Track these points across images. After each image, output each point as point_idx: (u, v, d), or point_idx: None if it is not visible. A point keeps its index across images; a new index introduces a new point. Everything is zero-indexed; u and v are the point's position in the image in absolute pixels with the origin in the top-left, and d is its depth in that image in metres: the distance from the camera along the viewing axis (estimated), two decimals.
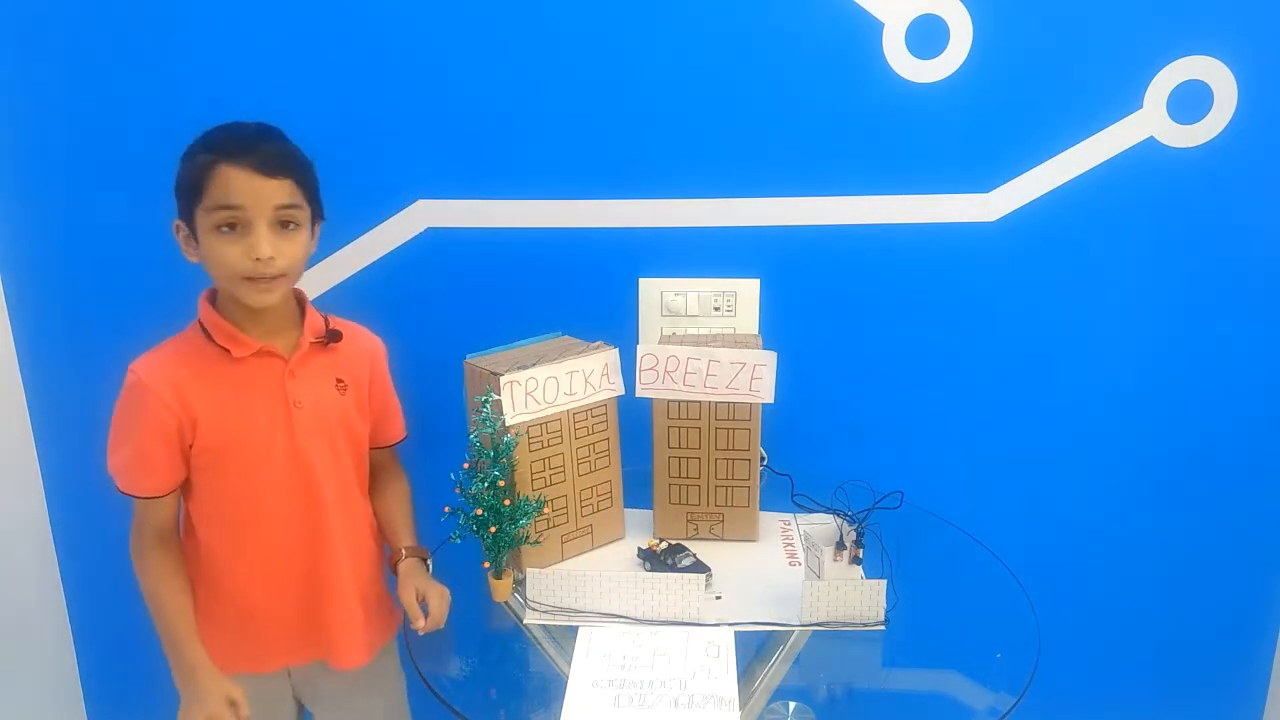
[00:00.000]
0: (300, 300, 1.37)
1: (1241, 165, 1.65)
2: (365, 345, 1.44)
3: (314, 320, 1.36)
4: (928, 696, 1.21)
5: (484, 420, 1.33)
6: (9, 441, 1.82)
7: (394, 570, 1.39)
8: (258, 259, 1.22)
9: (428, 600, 1.31)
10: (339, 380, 1.38)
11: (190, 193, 1.23)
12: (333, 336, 1.36)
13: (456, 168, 1.69)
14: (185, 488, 1.34)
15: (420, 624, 1.29)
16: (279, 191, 1.23)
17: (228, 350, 1.29)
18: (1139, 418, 1.79)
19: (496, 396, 1.35)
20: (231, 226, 1.22)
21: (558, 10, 1.62)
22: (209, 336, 1.30)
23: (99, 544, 1.91)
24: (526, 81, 1.65)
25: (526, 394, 1.39)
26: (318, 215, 1.33)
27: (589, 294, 1.74)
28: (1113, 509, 1.84)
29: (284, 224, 1.25)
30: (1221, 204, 1.67)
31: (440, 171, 1.69)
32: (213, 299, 1.33)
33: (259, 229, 1.22)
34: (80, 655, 1.99)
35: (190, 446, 1.29)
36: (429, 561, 1.41)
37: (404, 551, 1.40)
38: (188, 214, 1.25)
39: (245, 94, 1.65)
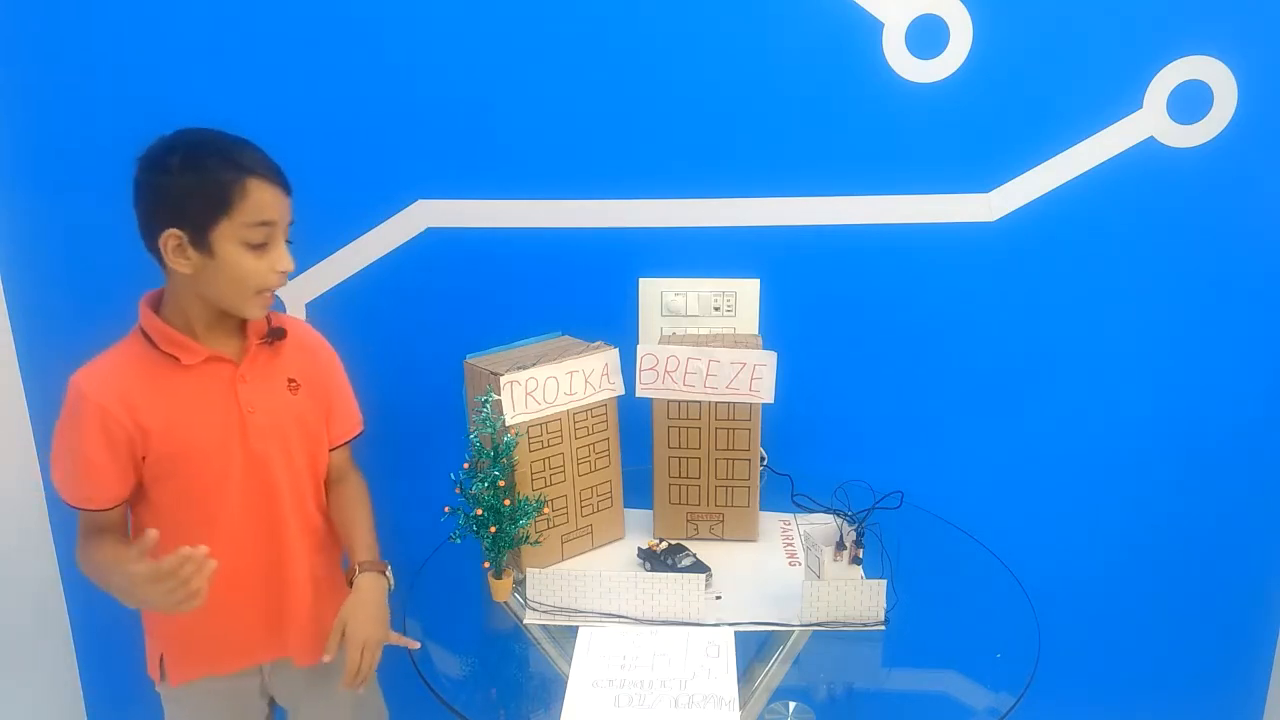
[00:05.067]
0: None
1: (1241, 165, 1.65)
2: (312, 340, 1.43)
3: (257, 321, 1.33)
4: (928, 696, 1.21)
5: (484, 420, 1.33)
6: (9, 443, 1.82)
7: (350, 584, 1.35)
8: (281, 272, 1.25)
9: (346, 647, 1.27)
10: (291, 380, 1.36)
11: (214, 206, 1.20)
12: (276, 334, 1.34)
13: (456, 168, 1.69)
14: (135, 495, 1.32)
15: (327, 658, 1.28)
16: (290, 207, 1.27)
17: (176, 358, 1.27)
18: (1139, 417, 1.79)
19: (496, 396, 1.35)
20: (262, 242, 1.23)
21: (557, 10, 1.62)
22: (153, 344, 1.28)
23: None
24: (526, 82, 1.65)
25: (526, 394, 1.39)
26: None
27: (589, 294, 1.74)
28: (1113, 509, 1.84)
29: (288, 239, 1.28)
30: (1221, 204, 1.67)
31: (440, 171, 1.69)
32: (154, 305, 1.30)
33: (280, 244, 1.26)
34: (80, 655, 1.99)
35: (143, 458, 1.28)
36: (388, 574, 1.38)
37: (358, 567, 1.36)
38: (202, 226, 1.21)
39: (246, 95, 1.65)
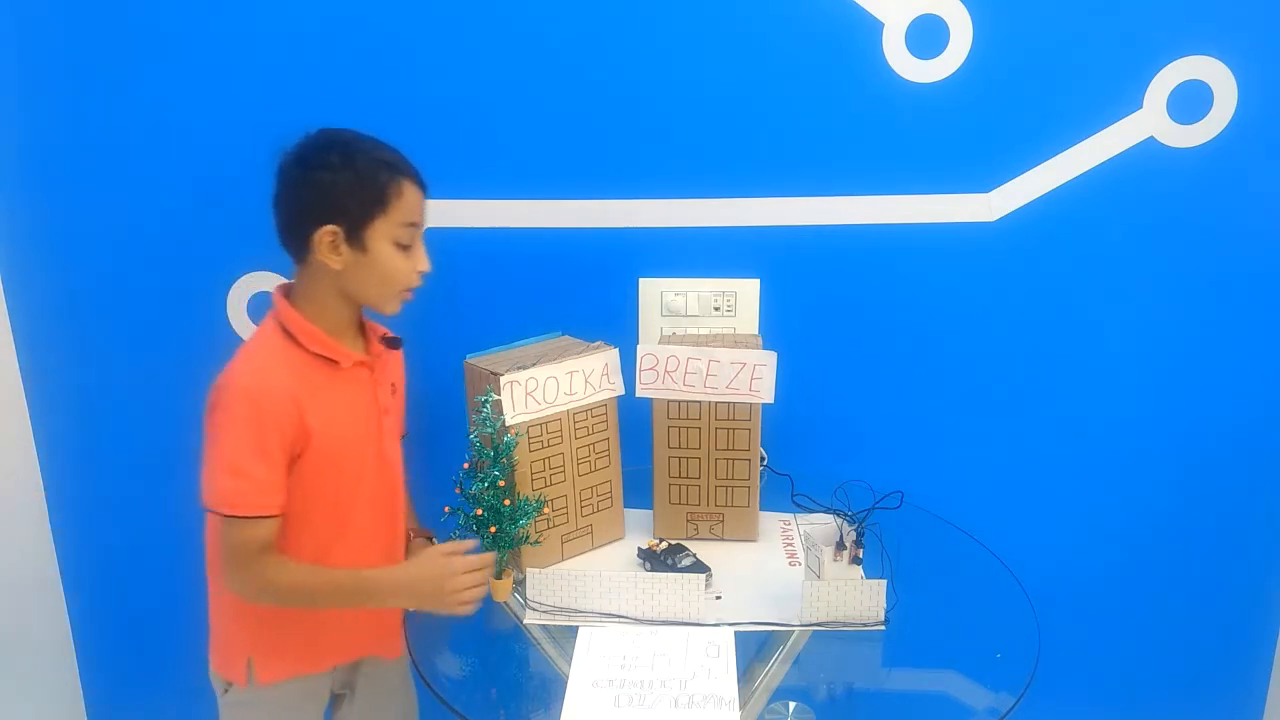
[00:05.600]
0: None
1: (1241, 165, 1.65)
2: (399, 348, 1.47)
3: (374, 327, 1.38)
4: (928, 696, 1.21)
5: (484, 420, 1.33)
6: (9, 443, 1.82)
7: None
8: (421, 273, 1.31)
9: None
10: (393, 384, 1.42)
11: (370, 204, 1.24)
12: (395, 343, 1.39)
13: (456, 168, 1.69)
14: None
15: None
16: (426, 211, 1.33)
17: (329, 360, 1.29)
18: (1138, 417, 1.79)
19: (496, 396, 1.35)
20: (409, 243, 1.28)
21: (558, 10, 1.62)
22: (296, 342, 1.28)
23: (99, 545, 1.91)
24: (527, 81, 1.65)
25: (526, 394, 1.39)
26: None
27: (589, 294, 1.74)
28: (1113, 509, 1.84)
29: None
30: (1221, 204, 1.67)
31: (440, 171, 1.68)
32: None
33: (421, 245, 1.31)
34: (80, 655, 1.99)
35: (294, 460, 1.28)
36: (434, 541, 1.46)
37: (412, 533, 1.47)
38: (359, 223, 1.24)
39: (245, 95, 1.65)
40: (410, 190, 1.28)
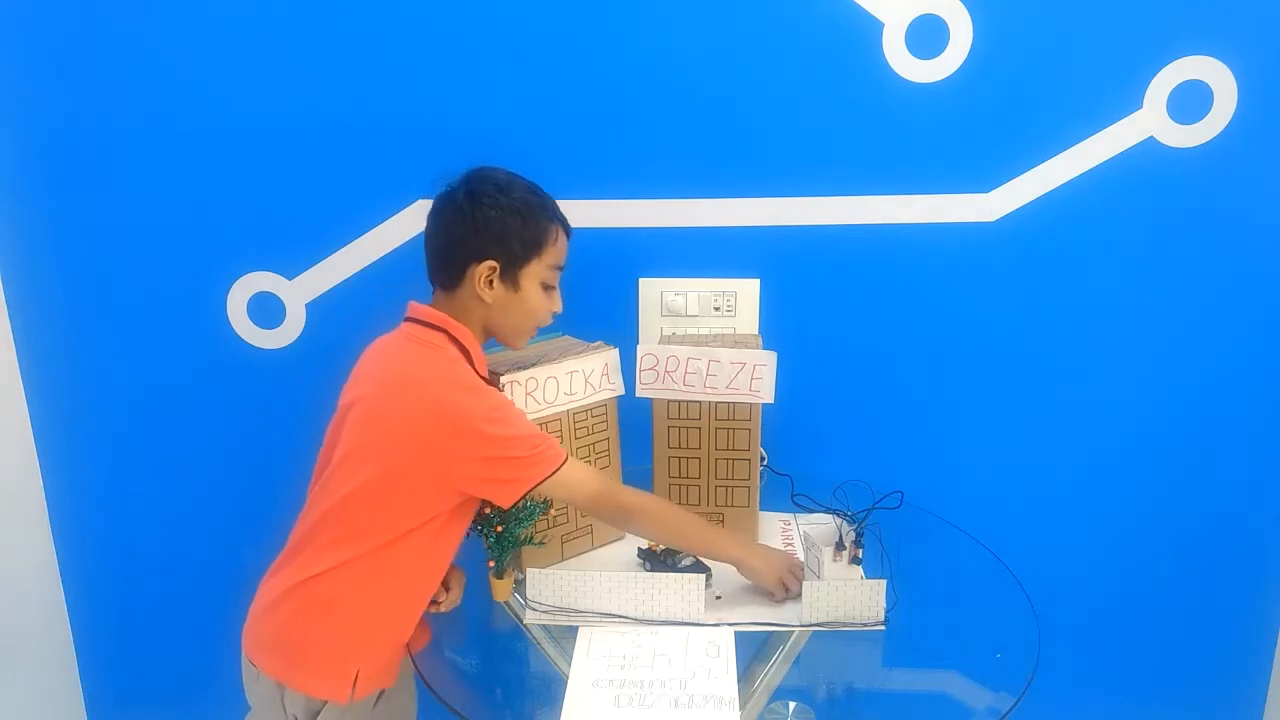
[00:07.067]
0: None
1: (1241, 165, 1.65)
2: None
3: (482, 354, 1.39)
4: (928, 696, 1.21)
5: None
6: (9, 443, 1.82)
7: None
8: (555, 313, 1.37)
9: (449, 581, 1.38)
10: None
11: (531, 247, 1.31)
12: (495, 380, 1.38)
13: (457, 168, 1.68)
14: (452, 519, 1.29)
15: (442, 601, 1.37)
16: None
17: (488, 382, 1.33)
18: (1138, 417, 1.79)
19: None
20: (552, 285, 1.35)
21: (557, 10, 1.62)
22: (469, 362, 1.30)
23: (99, 545, 1.91)
24: (526, 82, 1.65)
25: (526, 394, 1.39)
26: None
27: (589, 294, 1.73)
28: (1113, 508, 1.84)
29: None
30: (1221, 204, 1.67)
31: (440, 172, 1.68)
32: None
33: (558, 288, 1.37)
34: (80, 655, 1.99)
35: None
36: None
37: None
38: (516, 262, 1.30)
39: (246, 95, 1.66)
40: (561, 236, 1.34)
